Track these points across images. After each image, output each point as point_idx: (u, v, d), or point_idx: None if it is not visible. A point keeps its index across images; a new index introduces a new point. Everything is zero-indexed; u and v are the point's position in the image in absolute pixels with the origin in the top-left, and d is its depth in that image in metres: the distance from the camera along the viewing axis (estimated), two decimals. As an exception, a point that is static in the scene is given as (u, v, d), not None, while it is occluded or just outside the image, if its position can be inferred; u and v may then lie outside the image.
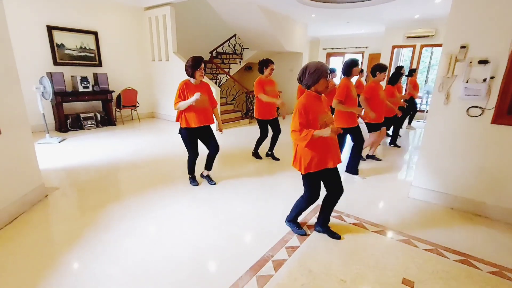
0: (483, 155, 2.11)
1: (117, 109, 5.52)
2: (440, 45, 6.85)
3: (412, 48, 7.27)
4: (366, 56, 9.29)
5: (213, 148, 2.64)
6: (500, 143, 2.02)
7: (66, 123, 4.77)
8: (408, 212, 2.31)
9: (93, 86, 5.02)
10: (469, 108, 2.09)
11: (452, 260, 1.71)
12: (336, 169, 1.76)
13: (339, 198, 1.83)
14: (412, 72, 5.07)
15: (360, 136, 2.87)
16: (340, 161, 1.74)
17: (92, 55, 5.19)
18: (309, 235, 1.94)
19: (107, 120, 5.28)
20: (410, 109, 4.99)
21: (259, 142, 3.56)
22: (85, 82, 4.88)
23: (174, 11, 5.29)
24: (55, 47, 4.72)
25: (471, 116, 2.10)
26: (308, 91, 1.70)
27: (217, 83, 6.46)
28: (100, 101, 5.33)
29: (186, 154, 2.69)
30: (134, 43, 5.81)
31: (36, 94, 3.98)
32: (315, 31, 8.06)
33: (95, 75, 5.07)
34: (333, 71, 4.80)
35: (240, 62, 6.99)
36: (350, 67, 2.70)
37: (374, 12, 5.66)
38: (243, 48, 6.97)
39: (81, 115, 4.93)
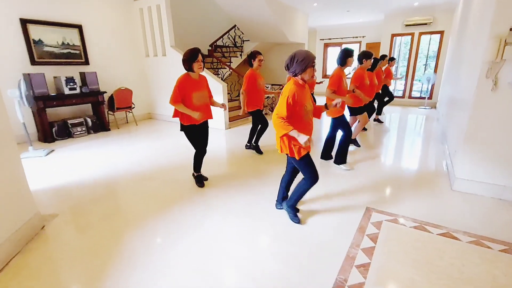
0: None
1: (110, 112, 5.07)
2: (438, 33, 7.05)
3: (410, 36, 7.45)
4: (363, 45, 9.39)
5: (203, 145, 2.63)
6: None
7: (51, 131, 4.30)
8: (459, 207, 2.25)
9: (81, 87, 4.57)
10: None
11: None
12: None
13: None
14: (390, 60, 5.28)
15: (347, 124, 2.97)
16: None
17: (77, 52, 4.72)
18: (374, 247, 1.78)
19: (99, 125, 4.83)
20: (384, 96, 5.32)
21: (256, 133, 3.59)
22: (71, 83, 4.44)
23: (169, 1, 4.91)
24: (32, 44, 4.22)
25: None
26: (295, 79, 1.77)
27: (222, 79, 6.22)
28: (90, 104, 4.86)
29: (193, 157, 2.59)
30: (125, 38, 5.34)
31: (14, 101, 3.53)
32: (313, 21, 7.99)
33: (83, 75, 4.60)
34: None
35: (241, 55, 6.73)
36: (345, 57, 2.74)
37: (374, 0, 5.71)
38: (243, 40, 6.71)
39: (69, 122, 4.46)
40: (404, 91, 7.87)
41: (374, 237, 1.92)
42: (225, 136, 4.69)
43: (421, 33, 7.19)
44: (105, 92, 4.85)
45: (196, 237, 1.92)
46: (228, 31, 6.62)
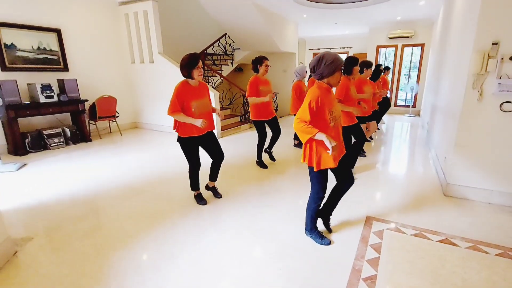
0: None
1: (91, 122, 4.87)
2: (419, 45, 7.63)
3: (394, 48, 7.99)
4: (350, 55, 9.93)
5: (218, 155, 2.50)
6: None
7: (23, 143, 4.02)
8: (453, 212, 2.36)
9: (58, 95, 4.36)
10: (502, 103, 2.24)
11: None
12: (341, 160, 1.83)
13: (348, 189, 1.93)
14: (385, 70, 5.55)
15: (362, 133, 3.00)
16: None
17: (55, 57, 4.54)
18: (378, 257, 1.82)
19: (79, 136, 4.60)
20: (386, 104, 5.46)
21: (260, 148, 3.46)
22: (47, 91, 4.23)
23: (157, 7, 4.91)
24: (3, 48, 4.03)
25: (505, 111, 2.25)
26: (319, 82, 1.69)
27: (212, 87, 6.25)
28: (69, 113, 4.64)
29: (186, 170, 2.47)
30: (109, 43, 5.23)
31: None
32: (302, 31, 8.33)
33: (61, 82, 4.40)
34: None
35: (231, 63, 6.81)
36: (350, 66, 2.73)
37: (361, 13, 6.07)
38: (234, 49, 6.82)
39: (44, 132, 4.21)
40: (390, 99, 8.32)
41: (378, 247, 1.95)
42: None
43: (403, 45, 7.75)
44: (86, 100, 4.66)
45: (193, 256, 1.84)
46: (218, 39, 6.71)
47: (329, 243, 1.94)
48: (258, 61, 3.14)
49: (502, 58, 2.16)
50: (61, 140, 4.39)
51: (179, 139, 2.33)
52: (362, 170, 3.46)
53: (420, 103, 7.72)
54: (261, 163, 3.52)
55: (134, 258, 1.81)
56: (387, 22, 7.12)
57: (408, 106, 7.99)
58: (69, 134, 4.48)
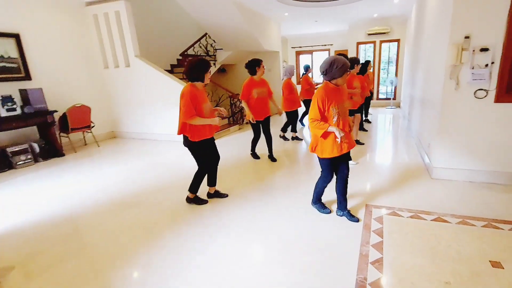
0: (490, 130, 2.63)
1: (62, 134, 4.62)
2: (395, 41, 8.33)
3: (373, 44, 8.63)
4: (332, 52, 10.45)
5: (217, 156, 2.67)
6: (502, 119, 2.55)
7: (-16, 163, 3.81)
8: (441, 193, 2.67)
9: (22, 107, 4.14)
10: (476, 91, 2.57)
11: (507, 230, 2.04)
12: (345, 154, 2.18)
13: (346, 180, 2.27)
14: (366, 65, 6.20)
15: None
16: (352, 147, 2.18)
17: (15, 65, 4.28)
18: (382, 241, 2.01)
19: (50, 151, 4.35)
20: (369, 98, 6.15)
21: (254, 142, 3.85)
22: (9, 103, 3.99)
23: (131, 7, 4.82)
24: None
25: (478, 98, 2.58)
26: (327, 83, 2.04)
27: None
28: (36, 126, 4.37)
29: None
30: (78, 48, 5.01)
31: None
32: (284, 30, 8.63)
33: (24, 92, 4.14)
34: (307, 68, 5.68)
35: (214, 64, 6.81)
36: (351, 64, 3.10)
37: (340, 11, 6.48)
38: (216, 49, 6.83)
39: (8, 150, 3.92)
40: (372, 92, 8.97)
41: (380, 232, 2.16)
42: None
43: (381, 41, 8.40)
44: (56, 111, 4.41)
45: (203, 264, 1.87)
46: (199, 40, 6.70)
47: (329, 212, 2.40)
48: (257, 63, 3.36)
49: (474, 50, 2.52)
50: (29, 157, 4.15)
51: (193, 144, 2.40)
52: (355, 159, 3.76)
53: (400, 95, 8.40)
54: (254, 155, 3.97)
55: (138, 276, 1.79)
56: (365, 19, 7.68)
57: (389, 99, 8.65)
58: (37, 149, 4.23)
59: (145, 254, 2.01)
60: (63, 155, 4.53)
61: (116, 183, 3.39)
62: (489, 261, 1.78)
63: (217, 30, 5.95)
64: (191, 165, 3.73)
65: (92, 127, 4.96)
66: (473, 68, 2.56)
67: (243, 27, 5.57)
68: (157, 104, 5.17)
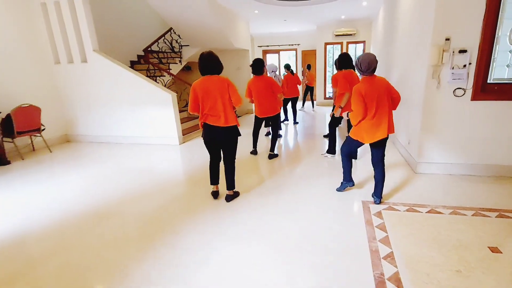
0: (467, 126, 2.92)
1: (6, 139, 3.92)
2: (361, 42, 8.92)
3: (340, 45, 9.10)
4: (299, 53, 10.78)
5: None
6: (478, 115, 2.85)
7: None
8: (427, 186, 2.87)
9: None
10: (455, 89, 2.85)
11: (494, 217, 2.26)
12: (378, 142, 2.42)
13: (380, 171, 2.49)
14: (309, 68, 7.71)
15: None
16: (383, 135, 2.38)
17: None
18: (387, 236, 2.07)
19: None
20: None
21: (271, 141, 4.03)
22: None
23: None
24: None
25: (457, 96, 2.86)
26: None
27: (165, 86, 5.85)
28: None
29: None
30: (22, 40, 4.39)
31: None
32: (252, 28, 8.67)
33: None
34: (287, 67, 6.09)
35: (180, 61, 6.53)
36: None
37: (309, 11, 6.73)
38: (181, 45, 6.55)
39: None
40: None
41: (382, 226, 2.23)
42: (180, 151, 4.46)
43: (348, 42, 8.91)
44: None
45: (205, 279, 1.72)
46: (163, 35, 6.35)
47: (353, 184, 2.81)
48: (263, 64, 3.67)
49: (453, 52, 2.78)
50: (-40, 166, 3.42)
51: (238, 131, 2.62)
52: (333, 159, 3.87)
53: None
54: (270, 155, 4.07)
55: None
56: (333, 20, 8.07)
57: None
58: (-29, 157, 3.53)
59: (138, 269, 1.79)
60: (8, 163, 3.86)
61: (82, 192, 2.99)
62: (488, 247, 1.94)
63: (184, 26, 5.68)
64: (162, 170, 3.63)
65: (42, 130, 4.35)
66: (453, 68, 2.80)
67: (211, 23, 5.44)
68: (120, 104, 4.79)
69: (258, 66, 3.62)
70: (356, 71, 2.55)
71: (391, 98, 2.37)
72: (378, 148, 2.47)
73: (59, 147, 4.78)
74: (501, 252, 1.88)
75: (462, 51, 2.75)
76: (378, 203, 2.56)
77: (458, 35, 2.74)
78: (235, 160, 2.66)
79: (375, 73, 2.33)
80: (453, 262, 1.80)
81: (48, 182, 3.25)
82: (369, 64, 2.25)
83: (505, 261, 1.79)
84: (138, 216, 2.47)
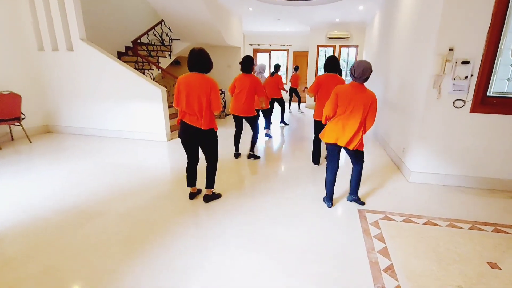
0: (465, 138, 2.95)
1: None
2: (354, 46, 8.97)
3: (332, 48, 9.12)
4: (290, 53, 10.71)
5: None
6: (476, 127, 2.88)
7: None
8: (421, 196, 2.87)
9: None
10: (455, 100, 2.86)
11: (490, 231, 2.27)
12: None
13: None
14: (296, 69, 7.90)
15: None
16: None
17: None
18: (385, 247, 2.04)
19: None
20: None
21: (251, 141, 3.92)
22: None
23: None
24: None
25: (456, 107, 2.88)
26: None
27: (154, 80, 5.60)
28: None
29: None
30: (3, 25, 4.10)
31: None
32: (244, 26, 8.52)
33: None
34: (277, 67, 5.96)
35: (169, 55, 6.33)
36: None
37: (305, 12, 6.67)
38: (172, 39, 6.34)
39: None
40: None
41: (380, 237, 2.19)
42: (168, 148, 4.28)
43: (341, 46, 8.94)
44: None
45: (201, 283, 1.62)
46: (153, 27, 6.10)
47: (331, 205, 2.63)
48: (252, 62, 3.56)
49: (456, 62, 2.78)
50: None
51: (215, 133, 2.51)
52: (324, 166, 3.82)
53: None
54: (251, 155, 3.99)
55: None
56: (327, 23, 8.06)
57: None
58: None
59: (130, 274, 1.67)
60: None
61: (65, 188, 2.80)
62: (487, 262, 1.94)
63: (175, 18, 5.48)
64: (148, 166, 3.51)
65: (22, 119, 4.10)
66: (454, 79, 2.81)
67: (204, 17, 5.28)
68: (106, 96, 4.57)
69: (248, 64, 3.52)
70: (349, 76, 2.51)
71: (366, 117, 2.36)
72: (350, 154, 2.52)
73: (39, 138, 4.51)
74: (500, 269, 1.88)
75: (465, 62, 2.76)
76: (350, 200, 2.70)
77: (461, 46, 2.75)
78: (218, 160, 2.60)
79: (366, 87, 2.34)
80: (454, 276, 1.78)
81: (26, 176, 3.01)
82: (363, 71, 2.22)
83: (506, 279, 1.79)
84: (124, 216, 2.32)
